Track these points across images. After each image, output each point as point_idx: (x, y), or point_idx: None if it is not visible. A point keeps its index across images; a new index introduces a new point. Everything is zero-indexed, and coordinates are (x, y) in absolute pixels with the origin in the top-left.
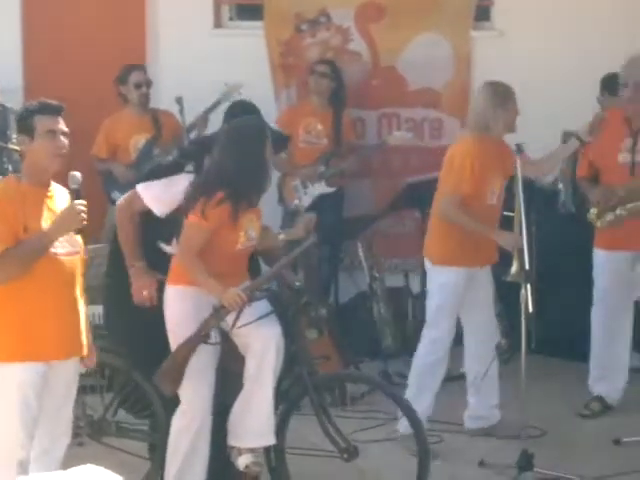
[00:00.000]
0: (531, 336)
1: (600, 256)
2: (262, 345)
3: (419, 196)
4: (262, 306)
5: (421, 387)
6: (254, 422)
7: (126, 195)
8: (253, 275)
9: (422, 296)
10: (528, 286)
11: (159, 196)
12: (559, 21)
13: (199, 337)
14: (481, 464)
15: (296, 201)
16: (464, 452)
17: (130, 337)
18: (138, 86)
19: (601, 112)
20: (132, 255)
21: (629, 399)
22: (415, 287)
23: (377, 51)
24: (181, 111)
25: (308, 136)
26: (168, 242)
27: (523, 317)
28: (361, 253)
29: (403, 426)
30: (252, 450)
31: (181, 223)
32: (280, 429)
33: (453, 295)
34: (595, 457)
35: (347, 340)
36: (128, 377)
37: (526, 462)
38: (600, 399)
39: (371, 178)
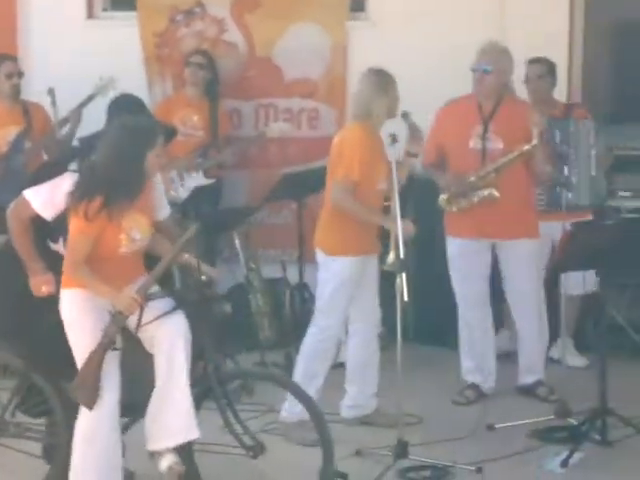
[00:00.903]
0: (408, 325)
1: (454, 244)
2: (170, 340)
3: (296, 187)
4: (166, 301)
5: (308, 374)
6: (173, 419)
7: (14, 203)
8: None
9: (299, 287)
10: (403, 275)
11: (47, 201)
12: (433, 12)
13: (105, 345)
14: (357, 453)
15: (172, 193)
16: (340, 441)
17: (27, 337)
18: (9, 76)
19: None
20: (30, 258)
21: (502, 385)
22: (293, 278)
23: (253, 41)
24: (53, 103)
25: (184, 128)
26: (55, 240)
27: (398, 306)
28: (238, 244)
29: (286, 413)
30: (173, 449)
31: (67, 223)
32: None
33: (348, 284)
34: (469, 443)
35: (224, 331)
36: (26, 378)
37: (402, 450)
38: (474, 387)
39: (248, 169)
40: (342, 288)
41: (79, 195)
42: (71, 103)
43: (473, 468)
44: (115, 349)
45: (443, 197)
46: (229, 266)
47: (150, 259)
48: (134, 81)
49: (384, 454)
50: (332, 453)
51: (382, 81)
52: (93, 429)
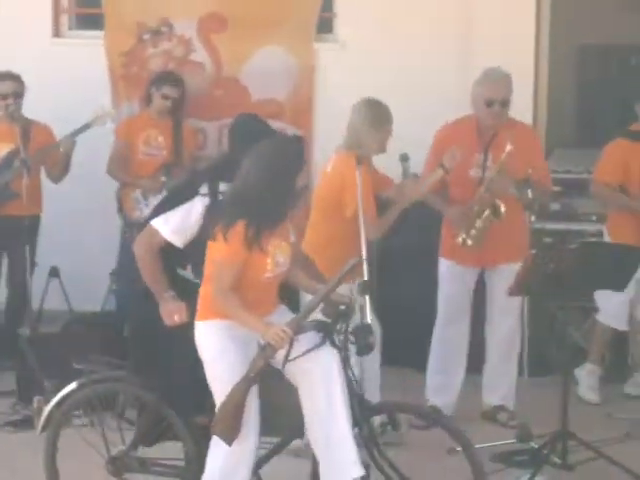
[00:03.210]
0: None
1: (444, 265)
2: (323, 374)
3: None
4: (311, 335)
5: None
6: (343, 454)
7: (143, 233)
8: (291, 304)
9: None
10: (367, 297)
11: (178, 228)
12: (401, 34)
13: (250, 379)
14: None
15: (137, 213)
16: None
17: (159, 369)
18: (4, 97)
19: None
20: (160, 288)
21: (465, 409)
22: None
23: (220, 62)
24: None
25: (147, 148)
26: (183, 267)
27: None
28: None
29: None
30: None
31: (198, 247)
32: None
33: None
34: (430, 466)
35: None
36: (157, 411)
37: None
38: (435, 409)
39: None
40: None
41: (226, 220)
42: (38, 119)
43: None
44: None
45: (459, 238)
46: None
47: None
48: (100, 100)
49: None
50: None
51: (377, 115)
52: (234, 465)
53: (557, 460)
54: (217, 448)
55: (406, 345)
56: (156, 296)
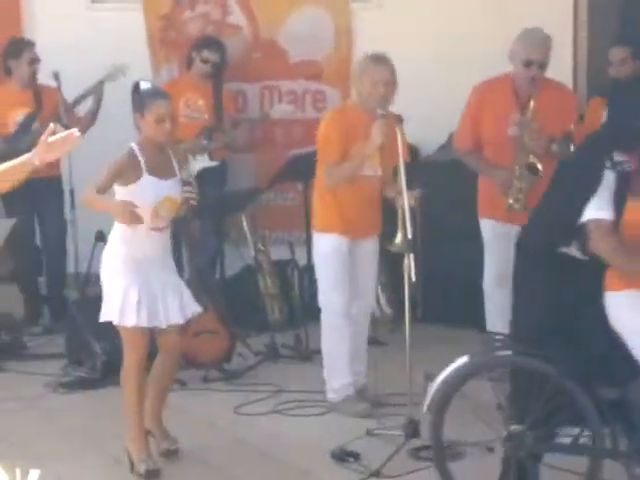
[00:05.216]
0: (416, 305)
1: (487, 226)
2: None
3: (302, 168)
4: None
5: (331, 355)
6: None
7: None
8: None
9: (308, 269)
10: (411, 255)
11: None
12: None
13: None
14: (368, 433)
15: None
16: (350, 421)
17: (561, 340)
18: (31, 63)
19: None
20: None
21: None
22: (301, 259)
23: (257, 24)
24: (58, 87)
25: (188, 110)
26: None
27: (406, 286)
28: (246, 226)
29: (333, 394)
30: None
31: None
32: None
33: (332, 260)
34: (480, 423)
35: (234, 314)
36: (557, 385)
37: (413, 429)
38: None
39: (254, 151)
40: (331, 266)
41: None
42: (76, 87)
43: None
44: None
45: (510, 201)
46: (238, 248)
47: None
48: (140, 65)
49: (395, 434)
50: None
51: (362, 63)
52: None
53: None
54: None
55: (447, 303)
56: None
